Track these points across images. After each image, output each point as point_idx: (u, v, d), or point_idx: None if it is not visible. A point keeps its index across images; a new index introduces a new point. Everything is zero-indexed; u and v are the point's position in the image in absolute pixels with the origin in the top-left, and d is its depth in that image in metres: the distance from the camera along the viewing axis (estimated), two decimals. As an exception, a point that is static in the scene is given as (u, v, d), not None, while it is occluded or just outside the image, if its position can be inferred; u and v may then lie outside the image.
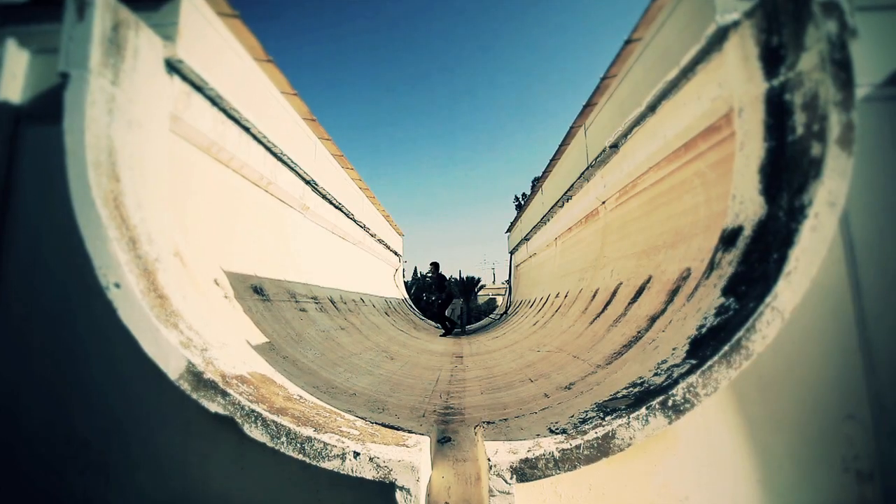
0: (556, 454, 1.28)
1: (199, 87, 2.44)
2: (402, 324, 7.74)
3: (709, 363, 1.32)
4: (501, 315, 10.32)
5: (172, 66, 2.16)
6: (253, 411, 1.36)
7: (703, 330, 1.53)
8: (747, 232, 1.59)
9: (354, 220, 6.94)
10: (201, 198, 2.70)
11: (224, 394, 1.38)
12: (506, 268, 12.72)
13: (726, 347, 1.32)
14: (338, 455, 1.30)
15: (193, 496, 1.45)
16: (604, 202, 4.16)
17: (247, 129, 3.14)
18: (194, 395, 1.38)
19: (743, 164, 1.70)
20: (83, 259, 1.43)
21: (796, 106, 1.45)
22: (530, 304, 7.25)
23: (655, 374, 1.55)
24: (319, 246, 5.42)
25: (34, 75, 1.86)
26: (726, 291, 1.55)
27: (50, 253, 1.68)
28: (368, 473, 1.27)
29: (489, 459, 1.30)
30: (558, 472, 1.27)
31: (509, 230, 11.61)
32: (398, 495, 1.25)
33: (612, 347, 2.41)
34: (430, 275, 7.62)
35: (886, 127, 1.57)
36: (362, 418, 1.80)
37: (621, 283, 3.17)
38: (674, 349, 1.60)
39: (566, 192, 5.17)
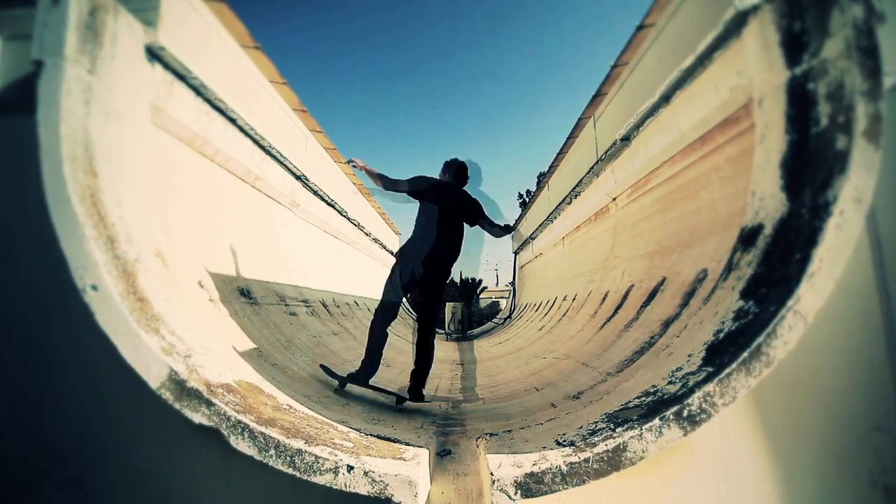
0: (564, 468, 1.28)
1: (182, 76, 2.44)
2: (400, 328, 7.74)
3: (727, 371, 1.32)
4: (505, 319, 10.33)
5: (154, 54, 2.16)
6: (240, 422, 1.36)
7: (721, 335, 1.52)
8: (768, 230, 1.59)
9: (348, 218, 6.94)
10: (185, 194, 2.70)
11: (209, 403, 1.38)
12: (509, 269, 12.73)
13: (745, 354, 1.31)
14: (330, 469, 1.29)
15: (176, 513, 1.45)
16: (614, 199, 4.15)
17: (233, 121, 3.14)
18: (177, 405, 1.38)
19: (763, 158, 1.70)
20: (59, 259, 1.43)
21: (820, 96, 1.45)
22: (536, 307, 7.25)
23: (670, 383, 1.55)
24: (311, 245, 5.42)
25: (6, 63, 1.86)
26: (745, 294, 1.55)
27: (23, 253, 1.68)
28: (363, 488, 1.27)
29: (492, 474, 1.30)
30: (566, 487, 1.27)
31: (513, 229, 11.60)
32: (395, 512, 1.25)
33: (624, 354, 2.41)
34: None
35: (916, 118, 1.57)
36: (356, 429, 1.80)
37: (633, 286, 3.17)
38: (689, 356, 1.60)
39: (574, 189, 5.17)
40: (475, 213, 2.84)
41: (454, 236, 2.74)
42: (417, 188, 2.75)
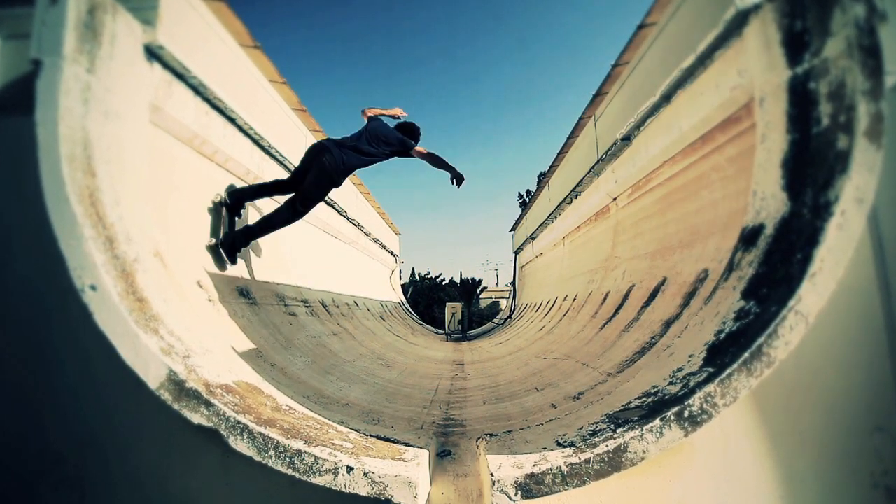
0: (564, 469, 1.28)
1: (181, 76, 2.44)
2: (400, 328, 7.74)
3: (728, 371, 1.32)
4: (505, 319, 10.33)
5: (152, 53, 2.16)
6: (239, 423, 1.36)
7: (722, 335, 1.53)
8: (769, 230, 1.59)
9: (347, 218, 6.94)
10: (183, 194, 2.70)
11: (208, 404, 1.38)
12: (510, 269, 12.73)
13: (747, 354, 1.32)
14: (330, 470, 1.29)
15: (175, 514, 1.45)
16: (615, 198, 4.16)
17: (232, 121, 3.14)
18: (176, 406, 1.38)
19: (764, 158, 1.70)
20: (57, 259, 1.43)
21: (821, 95, 1.45)
22: (536, 307, 7.25)
23: (671, 383, 1.55)
24: (310, 245, 5.42)
25: (4, 62, 1.86)
26: (746, 294, 1.55)
27: (21, 252, 1.68)
28: (363, 489, 1.27)
29: (492, 474, 1.30)
30: (566, 488, 1.27)
31: (513, 229, 11.61)
32: (394, 513, 1.25)
33: (624, 354, 2.42)
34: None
35: (918, 118, 1.57)
36: (356, 430, 1.80)
37: (634, 286, 3.17)
38: (690, 356, 1.60)
39: (574, 188, 5.17)
40: (405, 144, 3.35)
41: (362, 153, 3.31)
42: (370, 116, 3.54)
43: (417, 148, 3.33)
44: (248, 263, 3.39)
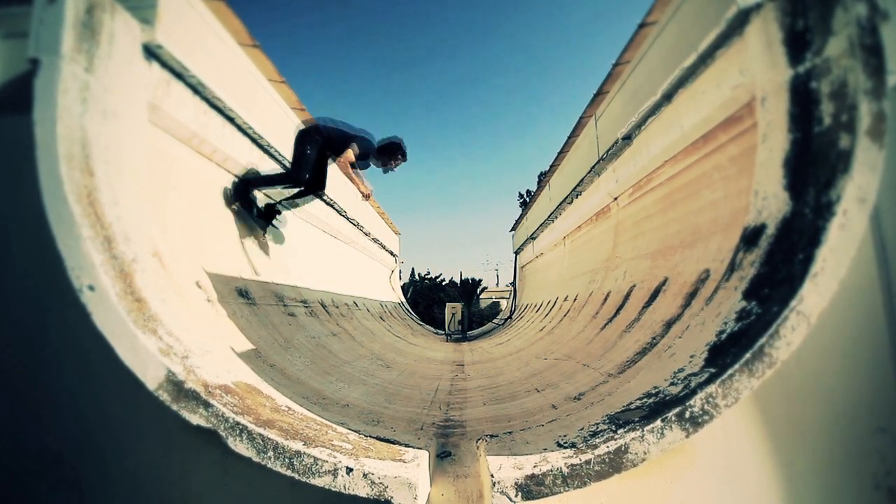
0: (565, 470, 1.28)
1: (179, 75, 2.44)
2: (399, 329, 7.75)
3: (729, 372, 1.32)
4: (505, 320, 10.33)
5: (151, 52, 2.16)
6: (238, 423, 1.36)
7: (724, 336, 1.53)
8: (770, 230, 1.59)
9: (347, 218, 6.94)
10: (182, 194, 2.70)
11: (207, 405, 1.38)
12: (510, 269, 12.73)
13: (748, 355, 1.32)
14: (329, 471, 1.30)
15: (174, 515, 1.45)
16: (616, 198, 4.16)
17: (231, 120, 3.15)
18: (174, 406, 1.38)
19: (766, 158, 1.70)
20: (55, 259, 1.43)
21: (823, 94, 1.45)
22: (537, 307, 7.25)
23: (672, 384, 1.55)
24: (309, 245, 5.42)
25: (2, 62, 1.86)
26: (748, 294, 1.55)
27: (19, 252, 1.68)
28: (362, 490, 1.27)
29: (492, 475, 1.30)
30: (567, 489, 1.27)
31: (514, 229, 11.61)
32: (394, 514, 1.25)
33: (625, 355, 2.42)
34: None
35: (920, 117, 1.57)
36: (356, 431, 1.80)
37: (634, 286, 3.17)
38: (691, 357, 1.60)
39: (575, 188, 5.17)
40: (351, 144, 3.76)
41: (335, 136, 3.80)
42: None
43: (346, 154, 3.73)
44: (247, 263, 3.39)
